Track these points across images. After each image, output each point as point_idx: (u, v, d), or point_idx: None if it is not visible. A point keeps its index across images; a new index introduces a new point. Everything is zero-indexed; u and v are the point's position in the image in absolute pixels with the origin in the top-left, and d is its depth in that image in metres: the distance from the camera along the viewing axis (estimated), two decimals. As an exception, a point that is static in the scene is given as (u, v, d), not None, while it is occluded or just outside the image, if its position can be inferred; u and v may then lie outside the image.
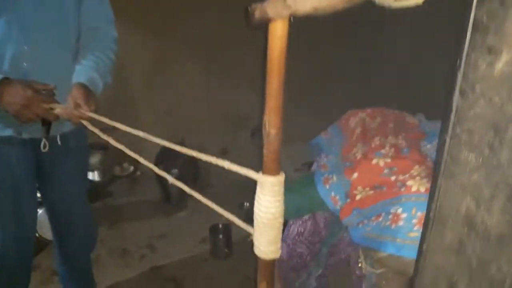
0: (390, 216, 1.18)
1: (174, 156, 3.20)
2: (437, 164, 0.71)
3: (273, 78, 0.67)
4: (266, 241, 0.85)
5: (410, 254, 1.07)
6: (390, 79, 3.38)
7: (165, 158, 3.23)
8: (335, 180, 1.38)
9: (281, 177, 0.78)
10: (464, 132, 0.62)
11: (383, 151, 1.31)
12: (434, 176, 0.75)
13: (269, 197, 0.81)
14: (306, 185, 1.50)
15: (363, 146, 1.37)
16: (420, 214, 1.12)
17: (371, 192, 1.27)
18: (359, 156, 1.35)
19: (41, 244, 2.36)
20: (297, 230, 1.65)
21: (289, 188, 1.33)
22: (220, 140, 3.45)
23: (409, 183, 1.20)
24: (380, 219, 1.21)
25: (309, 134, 1.95)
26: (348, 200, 1.33)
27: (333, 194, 1.39)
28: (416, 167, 1.24)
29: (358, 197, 1.30)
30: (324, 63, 3.52)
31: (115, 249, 2.61)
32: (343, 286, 2.43)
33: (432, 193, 0.74)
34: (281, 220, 0.84)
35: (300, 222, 1.68)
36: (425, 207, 1.02)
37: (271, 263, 0.90)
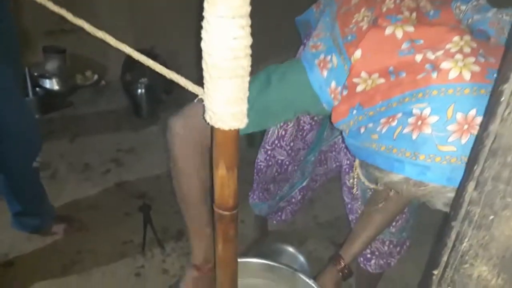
0: (411, 119, 0.71)
1: (143, 64, 2.82)
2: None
3: None
4: (223, 99, 0.54)
5: (439, 179, 0.69)
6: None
7: (133, 65, 2.86)
8: (335, 64, 0.87)
9: None
10: None
11: (400, 16, 0.84)
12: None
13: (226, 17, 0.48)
14: (287, 79, 0.96)
15: (368, 11, 0.95)
16: (461, 116, 0.66)
17: (382, 80, 0.79)
18: (364, 25, 0.87)
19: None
20: (277, 133, 1.34)
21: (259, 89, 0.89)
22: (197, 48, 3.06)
23: (445, 65, 0.71)
24: (394, 123, 0.74)
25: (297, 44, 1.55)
26: (345, 93, 0.85)
27: (333, 84, 0.88)
28: (456, 38, 0.74)
29: (359, 88, 0.82)
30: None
31: (76, 164, 2.32)
32: (331, 201, 2.23)
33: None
34: (245, 64, 0.52)
35: (281, 123, 1.37)
36: (469, 105, 0.65)
37: (232, 138, 0.59)
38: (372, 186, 1.00)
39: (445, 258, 0.47)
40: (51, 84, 2.65)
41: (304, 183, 1.46)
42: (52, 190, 1.99)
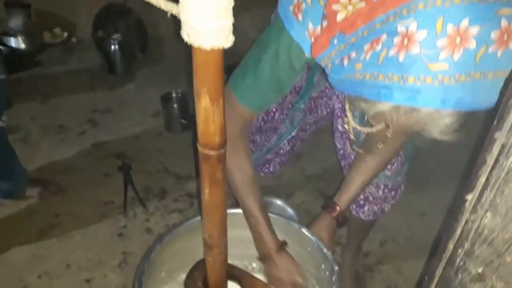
0: (397, 39, 0.64)
1: (116, 19, 2.66)
2: None
3: None
4: (203, 10, 0.45)
5: (431, 102, 0.62)
6: None
7: (105, 21, 2.70)
8: (309, 2, 0.81)
9: None
10: None
11: None
12: None
13: None
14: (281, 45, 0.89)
15: None
16: (452, 28, 0.59)
17: (363, 4, 0.71)
18: None
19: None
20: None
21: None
22: None
23: None
24: (378, 47, 0.66)
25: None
26: (325, 24, 0.77)
27: (310, 25, 0.82)
28: None
29: (340, 17, 0.73)
30: None
31: (49, 125, 2.20)
32: (319, 153, 2.17)
33: None
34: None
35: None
36: (460, 14, 0.57)
37: (215, 60, 0.50)
38: (365, 130, 0.94)
39: (483, 179, 0.40)
40: (17, 42, 2.48)
41: (293, 133, 1.38)
42: (25, 153, 1.88)
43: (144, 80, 2.65)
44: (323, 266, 0.94)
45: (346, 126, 1.00)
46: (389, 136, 0.97)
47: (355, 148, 1.10)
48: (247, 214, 1.04)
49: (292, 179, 1.97)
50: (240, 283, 0.78)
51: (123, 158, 1.99)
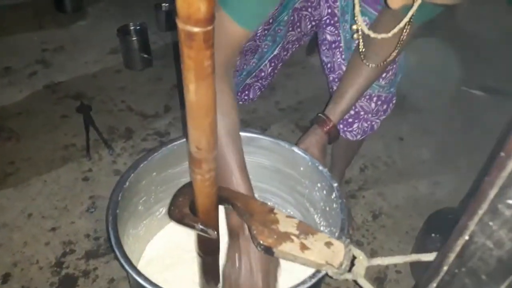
0: None
1: None
2: None
3: None
4: None
5: None
6: None
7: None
8: None
9: None
10: None
11: None
12: None
13: None
14: None
15: None
16: None
17: None
18: None
19: None
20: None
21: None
22: None
23: None
24: None
25: None
26: None
27: None
28: None
29: None
30: None
31: (-7, 68, 1.96)
32: (292, 86, 2.06)
33: None
34: None
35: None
36: None
37: None
38: (379, 36, 0.83)
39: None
40: None
41: (276, 51, 1.25)
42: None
43: (97, 16, 2.41)
44: (318, 185, 0.85)
45: (354, 30, 0.88)
46: (402, 39, 0.87)
47: (344, 58, 0.98)
48: (225, 173, 0.77)
49: (266, 113, 1.86)
50: (233, 205, 0.68)
51: (81, 98, 1.81)
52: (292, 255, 0.60)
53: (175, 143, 0.86)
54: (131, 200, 0.83)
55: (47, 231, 1.31)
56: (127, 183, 0.78)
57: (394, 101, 1.14)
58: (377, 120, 1.15)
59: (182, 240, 0.97)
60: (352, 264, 0.59)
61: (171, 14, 2.32)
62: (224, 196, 0.69)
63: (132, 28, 2.03)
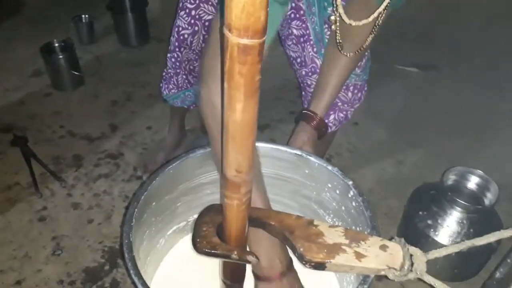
0: None
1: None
2: None
3: None
4: None
5: None
6: None
7: None
8: None
9: None
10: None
11: None
12: None
13: None
14: None
15: None
16: None
17: None
18: None
19: None
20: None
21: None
22: None
23: None
24: None
25: None
26: None
27: None
28: None
29: None
30: None
31: None
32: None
33: None
34: None
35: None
36: None
37: None
38: (354, 22, 0.81)
39: None
40: None
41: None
42: None
43: (8, 37, 2.18)
44: (329, 185, 0.82)
45: (332, 20, 0.85)
46: (378, 24, 0.86)
47: (339, 48, 0.96)
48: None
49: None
50: (265, 225, 0.62)
51: (13, 130, 1.62)
52: (349, 266, 0.56)
53: (170, 166, 0.78)
54: (140, 238, 0.74)
55: (11, 286, 1.15)
56: (133, 221, 0.69)
57: (366, 88, 1.14)
58: (351, 109, 1.15)
59: (186, 268, 0.89)
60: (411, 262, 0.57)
61: (93, 25, 2.16)
62: (253, 217, 0.63)
63: (56, 45, 1.85)
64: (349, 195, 0.78)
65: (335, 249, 0.58)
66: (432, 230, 1.17)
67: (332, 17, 0.86)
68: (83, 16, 2.13)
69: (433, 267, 1.21)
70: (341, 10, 0.82)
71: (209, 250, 0.61)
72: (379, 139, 1.72)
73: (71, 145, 1.60)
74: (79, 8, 2.27)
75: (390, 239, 0.59)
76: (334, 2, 0.82)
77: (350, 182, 0.78)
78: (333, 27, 0.88)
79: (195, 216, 0.93)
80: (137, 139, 1.63)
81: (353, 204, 0.77)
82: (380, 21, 0.87)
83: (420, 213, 1.19)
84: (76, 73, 1.82)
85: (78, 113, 1.75)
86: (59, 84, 1.85)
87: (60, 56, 1.79)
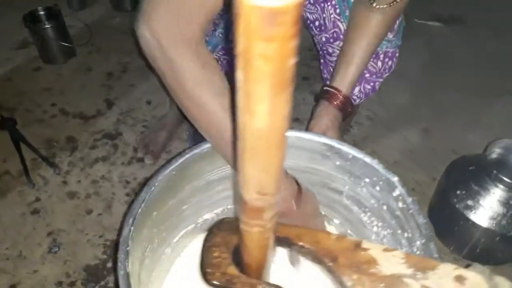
0: None
1: None
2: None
3: None
4: None
5: None
6: None
7: None
8: None
9: None
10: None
11: None
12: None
13: None
14: None
15: None
16: None
17: None
18: None
19: None
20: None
21: None
22: None
23: None
24: None
25: None
26: None
27: None
28: None
29: None
30: None
31: None
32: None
33: None
34: None
35: None
36: None
37: None
38: None
39: None
40: None
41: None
42: None
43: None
44: (366, 180, 0.67)
45: None
46: None
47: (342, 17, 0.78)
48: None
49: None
50: (297, 247, 0.48)
51: (0, 111, 1.47)
52: (415, 307, 0.43)
53: (171, 167, 0.63)
54: (141, 260, 0.60)
55: (4, 290, 1.04)
56: (129, 244, 0.54)
57: (397, 55, 0.97)
58: (380, 80, 0.98)
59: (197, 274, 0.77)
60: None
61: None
62: (280, 236, 0.49)
63: (42, 13, 1.67)
64: (394, 194, 0.63)
65: (395, 283, 0.43)
66: (472, 211, 1.03)
67: None
68: (70, -21, 1.93)
69: (473, 251, 1.09)
70: None
71: (222, 284, 0.47)
72: (402, 105, 1.56)
73: (64, 125, 1.45)
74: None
75: (467, 266, 0.45)
76: None
77: (396, 179, 0.63)
78: None
79: (206, 216, 0.80)
80: (136, 116, 1.48)
81: (399, 205, 0.62)
82: None
83: (458, 192, 1.05)
84: (65, 44, 1.65)
85: (71, 88, 1.59)
86: (48, 57, 1.69)
87: (47, 26, 1.61)
